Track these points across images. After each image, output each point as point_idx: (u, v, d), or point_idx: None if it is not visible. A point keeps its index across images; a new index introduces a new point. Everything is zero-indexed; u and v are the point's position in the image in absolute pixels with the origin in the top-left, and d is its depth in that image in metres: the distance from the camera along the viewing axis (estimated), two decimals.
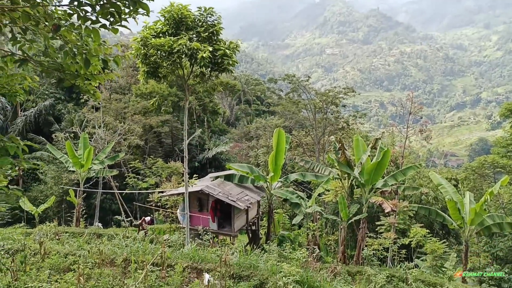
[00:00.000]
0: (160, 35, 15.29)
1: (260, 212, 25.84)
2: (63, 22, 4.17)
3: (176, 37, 14.87)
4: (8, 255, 11.87)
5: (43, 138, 40.11)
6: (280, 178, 23.32)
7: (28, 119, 41.05)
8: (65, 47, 4.18)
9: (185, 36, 14.75)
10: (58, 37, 4.19)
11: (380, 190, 21.38)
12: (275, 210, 29.41)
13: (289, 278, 10.18)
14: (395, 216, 23.61)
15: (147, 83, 43.18)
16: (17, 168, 4.49)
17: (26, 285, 9.88)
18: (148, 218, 24.98)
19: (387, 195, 23.53)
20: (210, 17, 15.83)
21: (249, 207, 21.97)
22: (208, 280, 10.91)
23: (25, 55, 4.40)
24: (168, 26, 15.35)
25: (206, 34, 15.30)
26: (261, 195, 24.61)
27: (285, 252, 14.53)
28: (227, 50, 15.30)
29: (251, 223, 24.47)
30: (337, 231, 29.89)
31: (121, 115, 42.31)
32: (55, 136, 36.90)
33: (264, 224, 27.03)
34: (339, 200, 21.04)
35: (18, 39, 4.13)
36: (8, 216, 31.66)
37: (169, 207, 26.49)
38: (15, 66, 4.60)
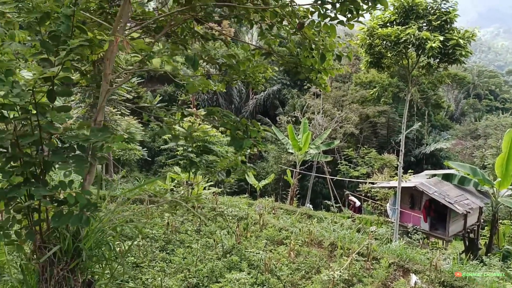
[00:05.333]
0: (387, 24, 15.00)
1: (482, 220, 23.17)
2: (305, 19, 4.58)
3: (404, 26, 14.37)
4: (235, 221, 13.64)
5: (268, 120, 44.33)
6: (510, 185, 20.42)
7: (258, 102, 45.89)
8: (305, 42, 4.62)
9: (414, 25, 14.12)
10: (298, 33, 4.62)
11: None
12: (501, 221, 25.91)
13: None
14: None
15: (368, 72, 43.04)
16: (255, 149, 5.17)
17: (246, 249, 11.19)
18: (358, 203, 25.25)
19: None
20: (444, 3, 14.73)
21: (469, 212, 19.95)
22: (415, 282, 10.42)
23: (270, 49, 5.00)
24: (396, 15, 14.96)
25: (438, 22, 14.32)
26: (484, 201, 22.05)
27: (510, 270, 12.73)
28: (460, 40, 14.01)
29: (469, 230, 22.23)
30: None
31: (339, 103, 43.34)
32: (279, 118, 40.42)
33: (486, 234, 24.14)
34: None
35: (265, 34, 4.72)
36: (236, 186, 36.37)
37: (378, 199, 26.14)
38: (260, 58, 5.30)
